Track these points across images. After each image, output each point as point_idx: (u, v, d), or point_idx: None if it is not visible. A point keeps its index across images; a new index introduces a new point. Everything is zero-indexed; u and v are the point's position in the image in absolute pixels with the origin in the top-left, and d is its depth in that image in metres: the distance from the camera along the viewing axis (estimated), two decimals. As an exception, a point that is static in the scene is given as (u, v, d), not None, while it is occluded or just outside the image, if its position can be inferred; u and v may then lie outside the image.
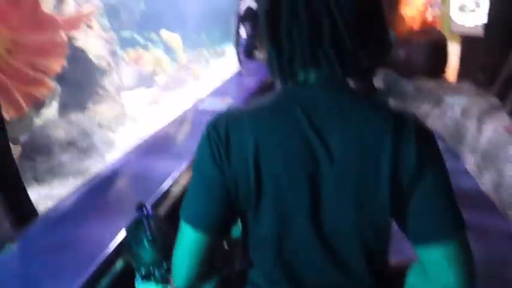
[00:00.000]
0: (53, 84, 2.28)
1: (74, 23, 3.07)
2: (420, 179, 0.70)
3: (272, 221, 0.71)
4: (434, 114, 5.55)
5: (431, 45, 6.52)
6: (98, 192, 2.45)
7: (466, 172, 3.68)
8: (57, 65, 2.29)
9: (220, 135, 0.71)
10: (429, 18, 10.50)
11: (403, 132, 0.71)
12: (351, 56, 0.70)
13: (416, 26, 9.74)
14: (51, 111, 3.16)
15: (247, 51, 7.38)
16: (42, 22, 2.12)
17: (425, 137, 0.73)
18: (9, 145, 1.78)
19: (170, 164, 2.70)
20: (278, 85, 0.79)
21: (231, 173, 0.70)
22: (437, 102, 5.77)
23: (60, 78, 3.21)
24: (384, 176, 0.69)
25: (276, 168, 0.71)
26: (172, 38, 5.47)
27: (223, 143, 0.71)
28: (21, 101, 2.12)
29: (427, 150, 0.71)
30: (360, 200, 0.71)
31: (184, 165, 2.59)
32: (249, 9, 7.14)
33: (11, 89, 2.05)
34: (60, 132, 2.56)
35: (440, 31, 7.07)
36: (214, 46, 7.13)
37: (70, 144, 2.60)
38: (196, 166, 0.74)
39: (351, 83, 0.78)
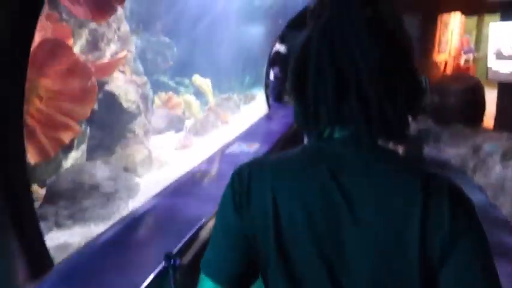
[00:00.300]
0: (80, 128, 2.28)
1: (107, 68, 3.14)
2: (454, 249, 0.64)
3: (291, 280, 0.68)
4: (471, 163, 5.29)
5: (468, 91, 6.35)
6: (118, 240, 2.38)
7: (506, 224, 3.41)
8: (87, 110, 2.30)
9: (243, 185, 0.71)
10: (462, 63, 10.35)
11: (435, 197, 0.65)
12: (378, 113, 0.66)
13: (449, 71, 9.61)
14: (78, 154, 3.18)
15: (276, 95, 7.45)
16: (74, 69, 2.14)
17: (460, 203, 0.65)
18: (31, 193, 1.74)
19: (194, 210, 2.63)
20: (305, 137, 0.79)
21: (251, 224, 0.70)
22: (475, 150, 5.51)
23: (90, 122, 3.25)
24: (413, 242, 0.63)
25: (296, 226, 0.67)
26: (204, 82, 5.56)
27: (245, 193, 0.71)
28: (48, 146, 2.11)
29: (462, 217, 0.64)
30: (385, 266, 0.65)
31: (210, 211, 2.51)
32: (277, 53, 7.25)
33: (39, 134, 2.05)
34: (84, 177, 2.53)
35: (476, 77, 6.89)
36: (244, 90, 7.21)
37: (94, 188, 2.56)
38: (219, 214, 0.75)
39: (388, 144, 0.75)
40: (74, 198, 2.46)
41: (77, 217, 2.43)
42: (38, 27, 2.14)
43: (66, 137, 2.20)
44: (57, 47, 2.04)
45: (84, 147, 3.29)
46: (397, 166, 0.71)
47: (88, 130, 3.30)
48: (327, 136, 0.72)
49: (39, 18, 1.82)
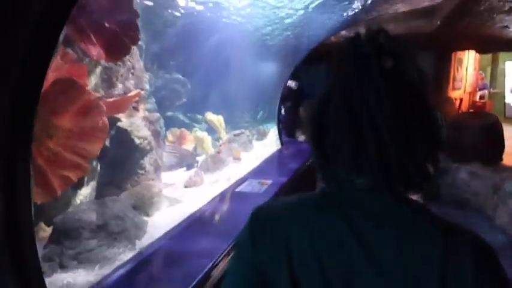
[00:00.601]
0: (89, 167, 2.25)
1: (121, 106, 3.16)
2: None
3: None
4: (491, 203, 5.10)
5: (486, 128, 6.22)
6: (125, 282, 2.30)
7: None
8: (97, 149, 2.29)
9: (259, 224, 0.74)
10: (478, 99, 10.25)
11: (456, 253, 0.64)
12: (396, 162, 0.66)
13: (465, 108, 9.51)
14: (88, 191, 3.15)
15: (288, 130, 7.42)
16: (86, 109, 2.14)
17: (485, 261, 0.63)
18: (33, 234, 1.69)
19: (204, 249, 2.55)
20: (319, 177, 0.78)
21: (265, 263, 0.71)
22: (495, 189, 5.32)
23: (101, 158, 3.24)
24: None
25: (308, 269, 0.68)
26: (216, 119, 5.58)
27: (261, 233, 0.73)
28: (56, 184, 2.08)
29: (486, 275, 0.62)
30: None
31: (220, 249, 2.44)
32: (289, 88, 7.31)
33: (47, 173, 2.02)
34: (92, 215, 2.48)
35: (494, 114, 6.79)
36: (257, 126, 7.22)
37: (101, 228, 2.50)
38: (235, 252, 0.78)
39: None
40: (80, 238, 2.40)
41: (82, 258, 2.36)
42: (53, 66, 2.16)
43: (74, 176, 2.17)
44: (70, 87, 2.05)
45: (94, 184, 3.27)
46: (416, 216, 0.70)
47: (99, 166, 3.29)
48: (344, 182, 0.73)
49: (53, 59, 1.82)
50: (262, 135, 6.96)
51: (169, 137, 4.93)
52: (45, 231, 2.60)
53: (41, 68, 1.50)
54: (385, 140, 0.66)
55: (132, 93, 3.10)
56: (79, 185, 3.03)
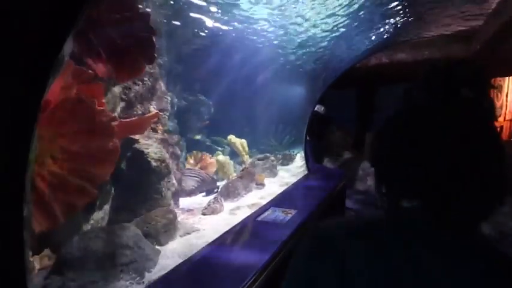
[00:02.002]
0: (97, 192, 2.09)
1: (137, 126, 3.03)
2: None
3: None
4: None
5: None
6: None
7: None
8: (106, 172, 2.13)
9: (317, 242, 0.77)
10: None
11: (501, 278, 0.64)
12: (441, 193, 0.67)
13: (505, 136, 8.99)
14: (100, 215, 3.00)
15: (315, 156, 7.14)
16: (95, 130, 1.99)
17: None
18: (24, 266, 1.52)
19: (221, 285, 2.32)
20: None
21: (316, 280, 0.73)
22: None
23: (116, 181, 3.10)
24: None
25: None
26: (239, 142, 5.40)
27: (317, 250, 0.76)
28: (58, 212, 1.92)
29: None
30: None
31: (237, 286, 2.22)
32: (315, 113, 7.08)
33: (48, 198, 1.87)
34: (99, 244, 2.31)
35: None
36: (282, 150, 7.00)
37: (108, 258, 2.31)
38: (292, 263, 0.80)
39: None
40: (85, 269, 2.23)
41: (85, 291, 2.18)
42: (63, 85, 2.05)
43: (80, 202, 2.01)
44: (78, 106, 1.91)
45: (107, 208, 3.12)
46: (466, 248, 0.69)
47: (113, 190, 3.15)
48: (396, 205, 0.76)
49: (57, 77, 1.67)
50: (288, 160, 6.72)
51: (190, 160, 4.77)
52: (50, 259, 2.45)
53: (38, 86, 1.36)
54: (436, 170, 0.66)
55: (150, 114, 2.97)
56: (91, 209, 2.89)
